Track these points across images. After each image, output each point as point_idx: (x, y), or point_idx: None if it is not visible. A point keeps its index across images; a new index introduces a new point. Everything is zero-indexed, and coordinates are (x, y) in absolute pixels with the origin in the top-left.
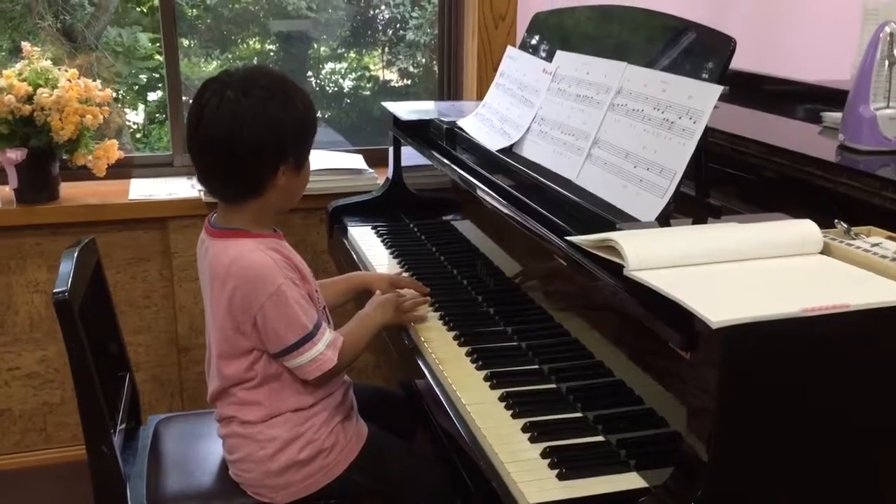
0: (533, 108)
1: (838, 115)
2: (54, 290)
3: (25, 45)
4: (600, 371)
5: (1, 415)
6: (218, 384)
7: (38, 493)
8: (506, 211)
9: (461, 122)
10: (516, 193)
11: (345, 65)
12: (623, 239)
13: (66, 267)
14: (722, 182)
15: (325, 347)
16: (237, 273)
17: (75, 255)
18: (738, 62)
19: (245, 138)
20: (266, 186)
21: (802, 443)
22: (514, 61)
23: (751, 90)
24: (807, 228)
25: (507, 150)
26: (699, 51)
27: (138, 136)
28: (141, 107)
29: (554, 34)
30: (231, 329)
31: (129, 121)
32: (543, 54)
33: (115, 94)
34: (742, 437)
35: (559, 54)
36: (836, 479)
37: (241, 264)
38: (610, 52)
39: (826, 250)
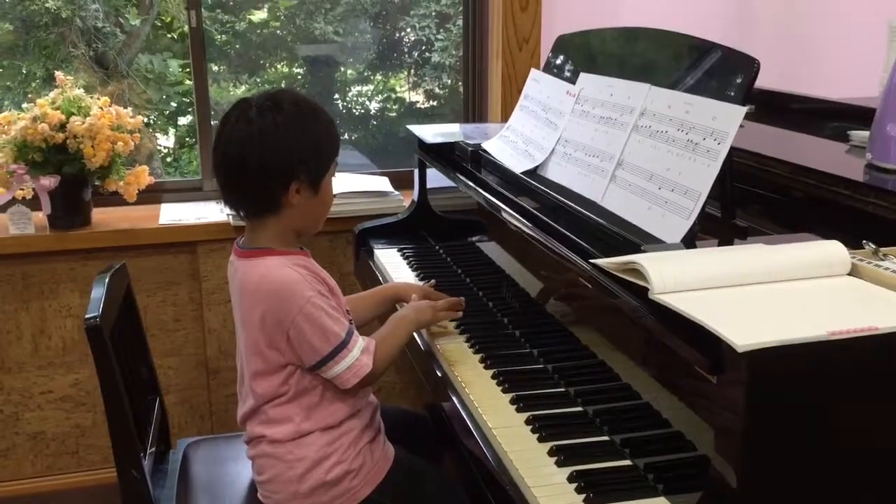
0: (557, 130)
1: (866, 133)
2: (86, 316)
3: (59, 74)
4: (627, 394)
5: (34, 437)
6: (252, 403)
7: None
8: (530, 233)
9: (485, 145)
10: (541, 216)
11: (371, 87)
12: (647, 262)
13: (98, 292)
14: (748, 202)
15: (360, 353)
16: (266, 290)
17: (106, 280)
18: (764, 81)
19: (253, 156)
20: (280, 204)
21: (831, 467)
22: (538, 83)
23: (777, 109)
24: (834, 249)
25: (532, 172)
26: (723, 72)
27: (169, 160)
28: (172, 131)
29: (578, 56)
30: (265, 345)
31: (161, 145)
32: (567, 76)
33: (146, 120)
34: (770, 461)
35: (583, 76)
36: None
37: (270, 280)
38: (634, 74)
39: (854, 271)
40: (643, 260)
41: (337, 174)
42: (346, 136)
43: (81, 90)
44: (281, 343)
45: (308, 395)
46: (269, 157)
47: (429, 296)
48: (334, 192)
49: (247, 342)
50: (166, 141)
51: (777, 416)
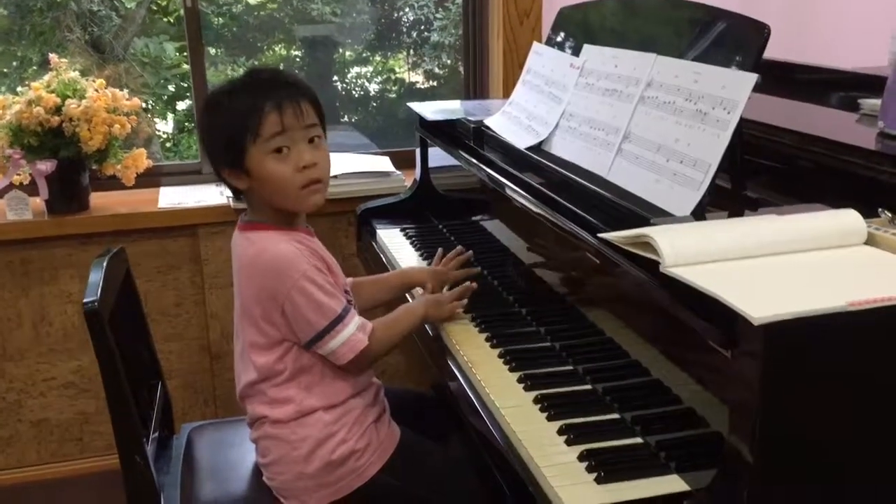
0: (561, 103)
1: (877, 101)
2: (84, 300)
3: (53, 56)
4: (637, 370)
5: (38, 425)
6: (253, 376)
7: (75, 502)
8: (536, 209)
9: (488, 121)
10: (546, 191)
11: (370, 68)
12: (658, 234)
13: (95, 277)
14: (757, 174)
15: (356, 329)
16: (262, 264)
17: (104, 264)
18: (771, 51)
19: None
20: (236, 187)
21: (850, 442)
22: (541, 57)
23: (784, 79)
24: (849, 218)
25: (536, 148)
26: (732, 39)
27: (168, 144)
28: (170, 116)
29: (580, 29)
30: (261, 319)
31: (159, 130)
32: (570, 50)
33: (144, 104)
34: (787, 436)
35: (587, 48)
36: (887, 480)
37: (265, 255)
38: (639, 45)
39: (871, 241)
40: (654, 233)
41: (337, 154)
42: (346, 118)
43: (76, 73)
44: (276, 317)
45: (307, 373)
46: (200, 143)
47: (441, 277)
48: (337, 172)
49: (243, 314)
50: (165, 126)
51: (794, 391)
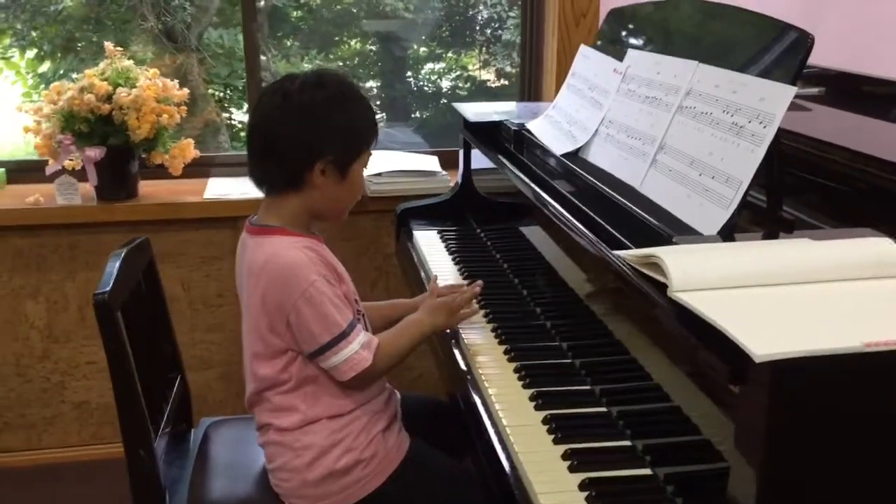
0: (602, 109)
1: None
2: (94, 292)
3: (108, 44)
4: (655, 395)
5: (79, 406)
6: (254, 386)
7: (113, 484)
8: (561, 219)
9: (530, 125)
10: (575, 201)
11: (443, 65)
12: (668, 256)
13: (110, 268)
14: (805, 192)
15: (360, 347)
16: (271, 270)
17: (122, 255)
18: (837, 61)
19: (285, 128)
20: (304, 182)
21: (864, 493)
22: (587, 60)
23: (849, 92)
24: (885, 248)
25: (574, 154)
26: (774, 48)
27: (242, 134)
28: (245, 106)
29: (629, 30)
30: (265, 328)
31: (235, 120)
32: (618, 51)
33: (217, 95)
34: (793, 485)
35: (630, 53)
36: None
37: (276, 262)
38: (683, 49)
39: None
40: (664, 254)
41: (385, 152)
42: (418, 115)
43: (130, 62)
44: (281, 327)
45: (312, 383)
46: (300, 131)
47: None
48: (382, 170)
49: (248, 323)
50: (241, 116)
51: (802, 433)
